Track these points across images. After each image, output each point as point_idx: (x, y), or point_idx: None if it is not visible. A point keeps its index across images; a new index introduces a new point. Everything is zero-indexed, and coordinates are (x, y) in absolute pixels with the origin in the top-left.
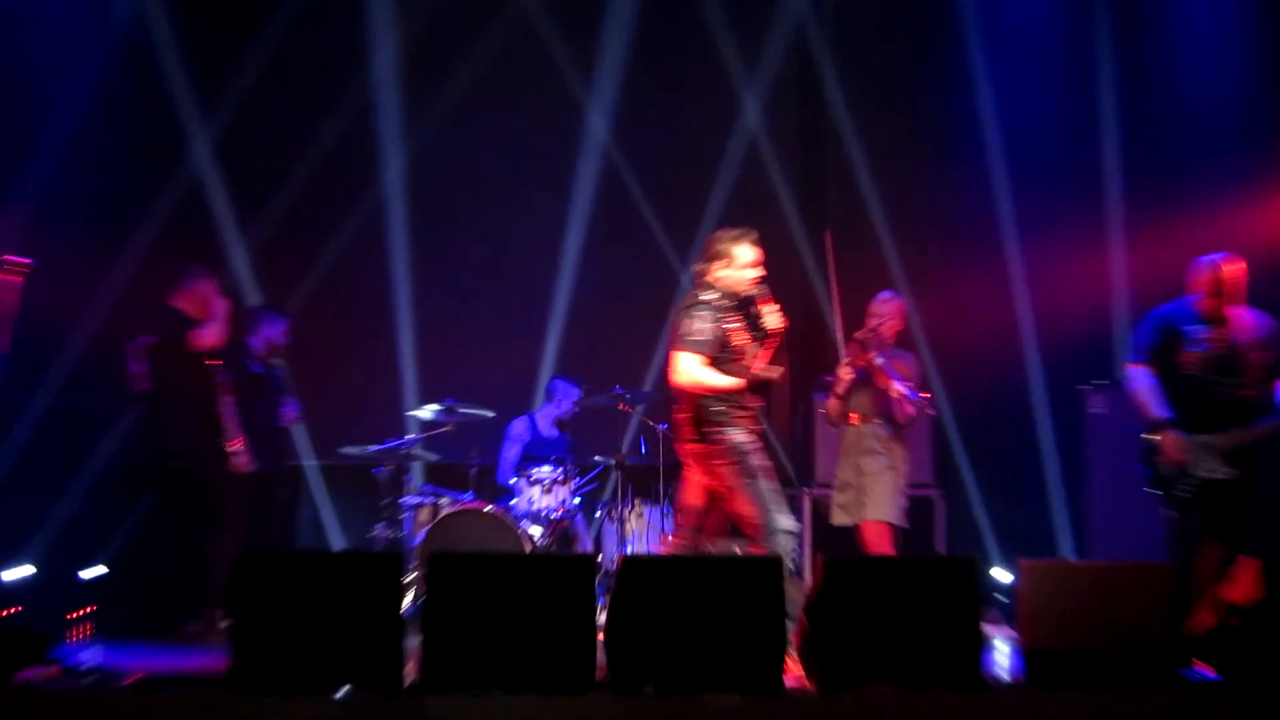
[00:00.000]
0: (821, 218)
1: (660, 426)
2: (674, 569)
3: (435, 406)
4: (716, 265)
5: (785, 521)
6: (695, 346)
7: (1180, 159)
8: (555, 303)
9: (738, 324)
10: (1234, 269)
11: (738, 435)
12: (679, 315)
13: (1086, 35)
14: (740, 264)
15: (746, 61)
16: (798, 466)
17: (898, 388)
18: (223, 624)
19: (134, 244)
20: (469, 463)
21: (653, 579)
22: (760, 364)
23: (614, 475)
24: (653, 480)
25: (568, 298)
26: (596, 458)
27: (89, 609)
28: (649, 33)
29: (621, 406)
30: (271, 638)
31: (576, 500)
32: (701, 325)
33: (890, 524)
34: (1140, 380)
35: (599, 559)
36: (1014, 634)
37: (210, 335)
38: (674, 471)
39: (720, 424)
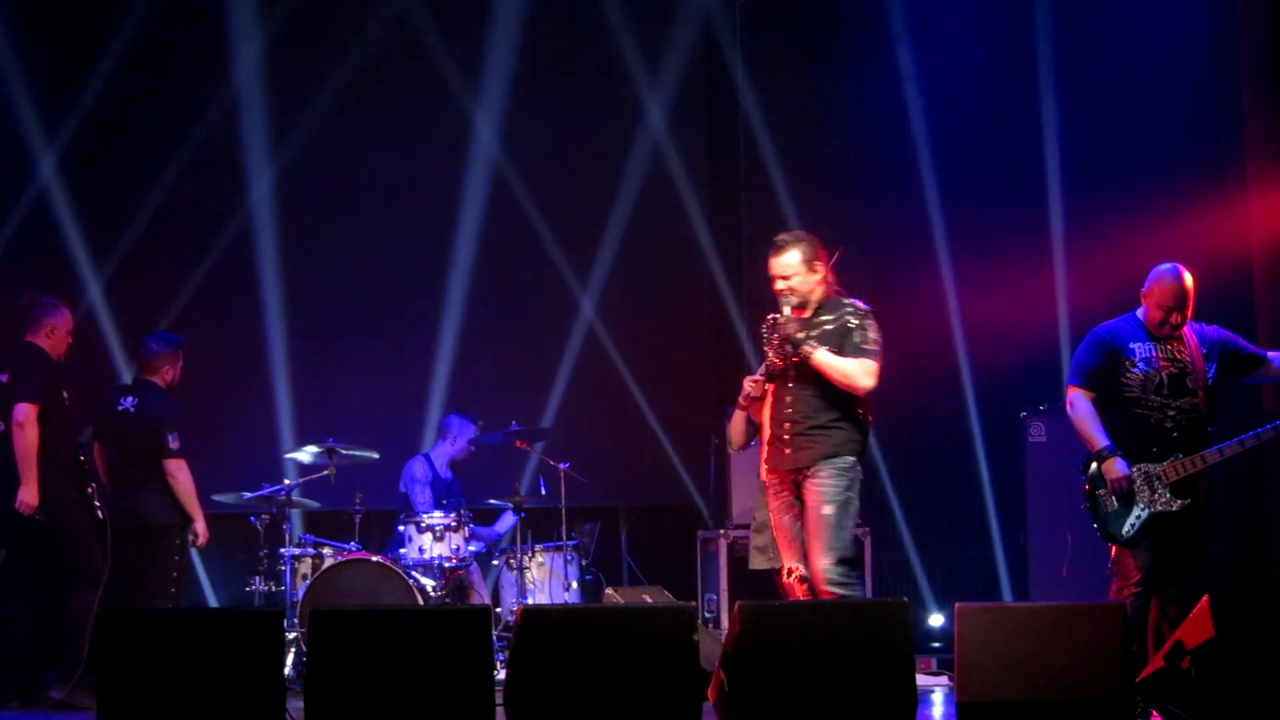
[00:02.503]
0: (735, 229)
1: (561, 465)
2: (577, 620)
3: (314, 448)
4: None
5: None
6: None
7: (1124, 164)
8: (443, 331)
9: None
10: (1187, 281)
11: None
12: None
13: (1024, 30)
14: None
15: (649, 60)
16: (712, 505)
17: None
18: (88, 691)
19: None
20: (354, 509)
21: (556, 632)
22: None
23: (512, 519)
24: (554, 524)
25: (456, 325)
26: (492, 500)
27: None
28: (539, 30)
29: (518, 444)
30: (143, 704)
31: (472, 548)
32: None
33: None
34: (1080, 406)
35: (497, 610)
36: (948, 683)
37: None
38: (576, 515)
39: None
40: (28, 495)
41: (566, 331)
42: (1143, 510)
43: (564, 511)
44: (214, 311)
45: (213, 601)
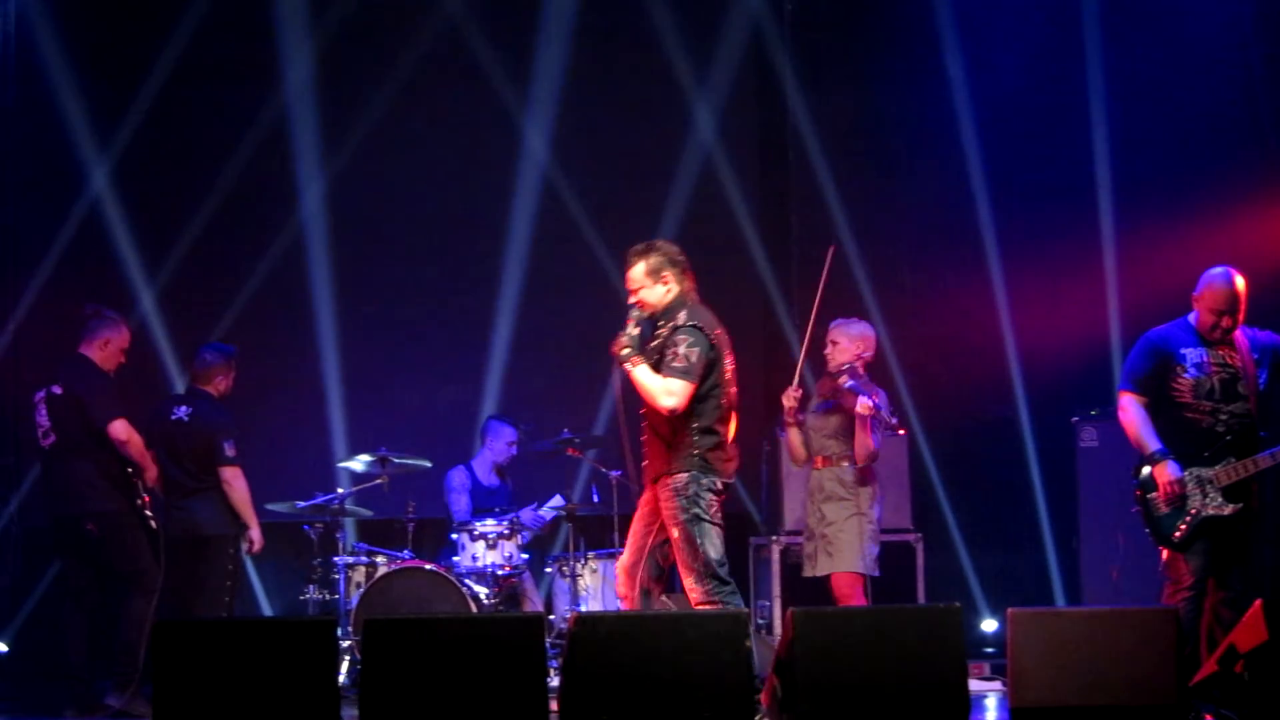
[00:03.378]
0: (785, 237)
1: (614, 474)
2: (631, 627)
3: (367, 457)
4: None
5: None
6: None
7: (1175, 168)
8: (495, 339)
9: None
10: (1239, 285)
11: None
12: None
13: (1073, 32)
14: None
15: (698, 69)
16: (765, 513)
17: (866, 403)
18: (143, 700)
19: (33, 285)
20: (406, 517)
21: (609, 639)
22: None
23: (564, 527)
24: (607, 531)
25: (507, 335)
26: (553, 504)
27: None
28: (588, 38)
29: (570, 451)
30: (198, 713)
31: (525, 555)
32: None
33: (860, 574)
34: (1132, 410)
35: (550, 618)
36: (1002, 688)
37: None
38: (628, 522)
39: None
40: (149, 477)
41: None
42: (1195, 514)
43: (616, 519)
44: (267, 321)
45: (267, 610)
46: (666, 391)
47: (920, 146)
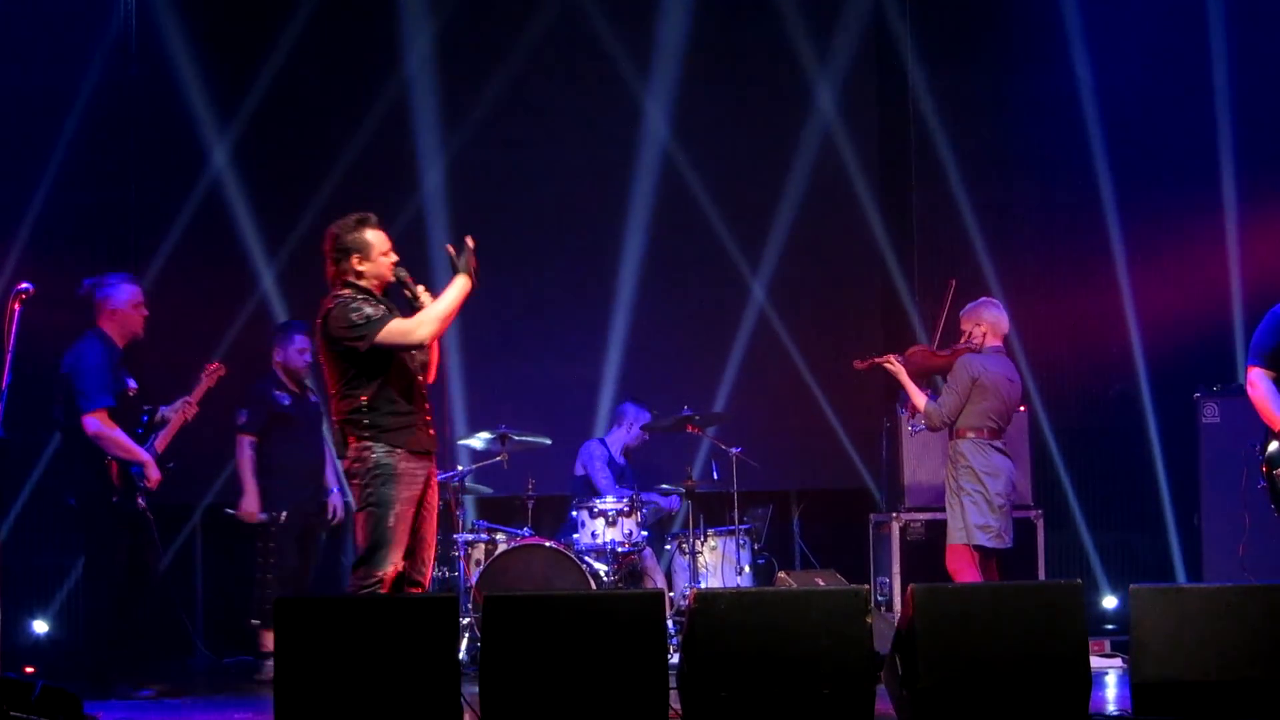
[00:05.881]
0: (907, 218)
1: (733, 450)
2: (750, 604)
3: (487, 435)
4: (351, 263)
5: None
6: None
7: None
8: (615, 317)
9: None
10: None
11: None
12: (330, 321)
13: (1197, 12)
14: (377, 251)
15: (819, 45)
16: (884, 488)
17: (918, 398)
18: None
19: (155, 264)
20: (526, 495)
21: (729, 616)
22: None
23: (684, 504)
24: (726, 508)
25: (627, 312)
26: (664, 485)
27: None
28: (709, 15)
29: (690, 429)
30: (321, 690)
31: (645, 532)
32: (372, 310)
33: (970, 547)
34: (1260, 385)
35: (670, 595)
36: (1123, 664)
37: None
38: (748, 499)
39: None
40: (149, 474)
41: (738, 316)
42: None
43: (736, 496)
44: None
45: None
46: None
47: (1042, 125)
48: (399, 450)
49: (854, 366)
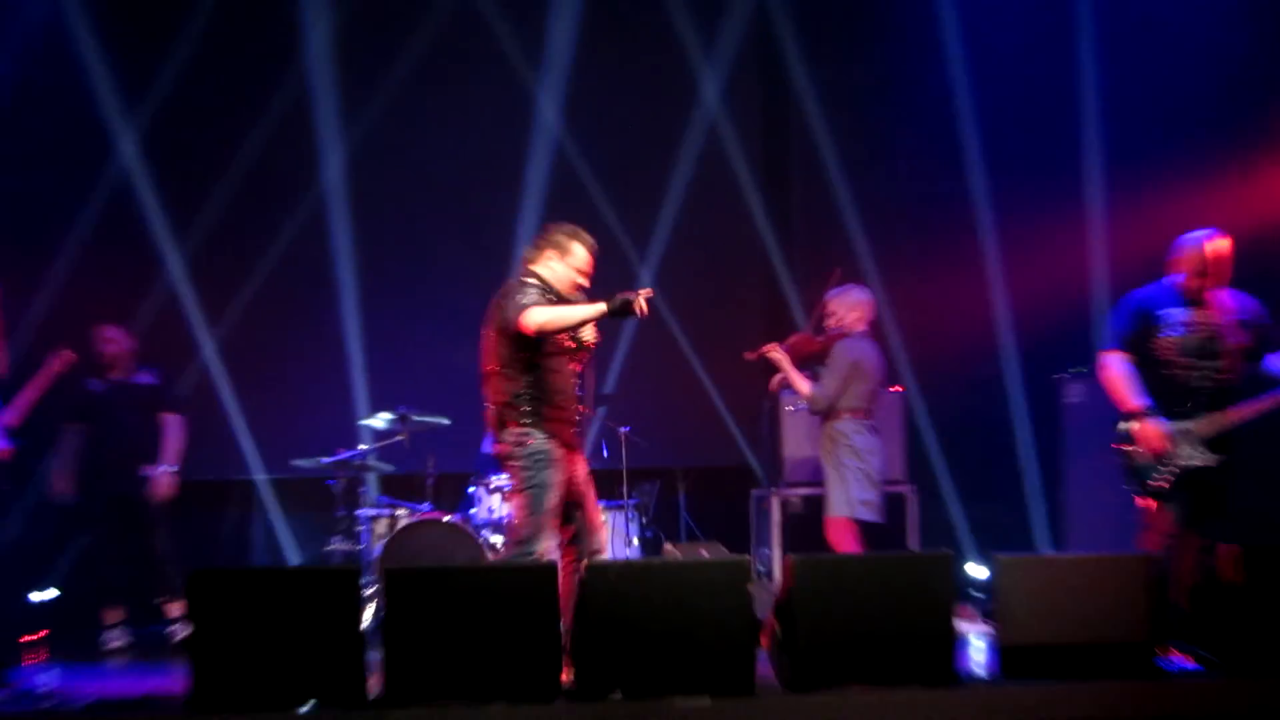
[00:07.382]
0: (788, 206)
1: (622, 429)
2: (638, 574)
3: (388, 415)
4: (549, 255)
5: (540, 548)
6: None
7: (1162, 131)
8: None
9: None
10: (1220, 247)
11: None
12: (501, 299)
13: (1067, 5)
14: (574, 261)
15: (704, 37)
16: (765, 465)
17: (801, 385)
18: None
19: (59, 252)
20: (426, 472)
21: (618, 585)
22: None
23: None
24: (615, 484)
25: None
26: None
27: (43, 632)
28: (598, 8)
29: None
30: (231, 657)
31: None
32: (537, 296)
33: (849, 519)
34: (1115, 368)
35: None
36: (990, 629)
37: None
38: (636, 476)
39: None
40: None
41: None
42: (1176, 465)
43: (625, 472)
44: (291, 286)
45: (294, 561)
46: None
47: (917, 115)
48: (554, 439)
49: (744, 358)
